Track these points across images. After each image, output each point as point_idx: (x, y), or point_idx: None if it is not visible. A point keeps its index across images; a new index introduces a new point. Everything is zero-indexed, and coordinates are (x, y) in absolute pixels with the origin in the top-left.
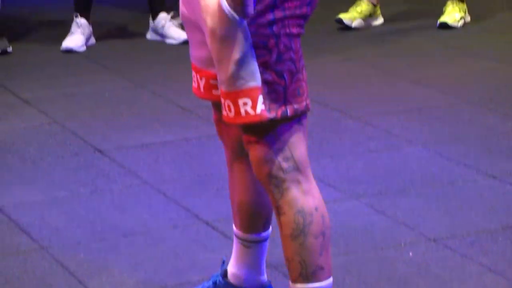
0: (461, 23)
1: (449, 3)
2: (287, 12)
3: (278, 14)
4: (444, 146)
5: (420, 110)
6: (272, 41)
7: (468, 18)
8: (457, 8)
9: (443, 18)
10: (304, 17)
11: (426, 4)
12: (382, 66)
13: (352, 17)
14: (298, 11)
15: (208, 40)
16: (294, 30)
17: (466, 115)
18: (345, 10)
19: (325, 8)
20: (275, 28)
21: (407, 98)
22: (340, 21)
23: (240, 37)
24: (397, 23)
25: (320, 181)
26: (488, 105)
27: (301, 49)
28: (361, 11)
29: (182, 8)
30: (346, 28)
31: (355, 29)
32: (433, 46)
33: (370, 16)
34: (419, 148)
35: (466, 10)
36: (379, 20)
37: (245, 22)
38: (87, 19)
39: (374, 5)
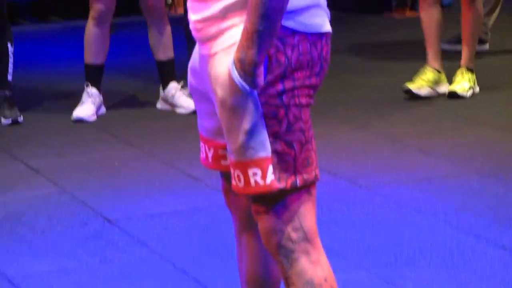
0: (470, 92)
1: (458, 72)
2: (297, 83)
3: (288, 84)
4: (453, 216)
5: (430, 180)
6: (282, 111)
7: (477, 89)
8: (466, 78)
9: (452, 87)
10: (314, 87)
11: None
12: (391, 135)
13: (419, 85)
14: (307, 82)
15: (218, 110)
16: (304, 100)
17: (475, 184)
18: (359, 79)
19: (333, 77)
20: (284, 98)
21: (416, 167)
22: (409, 91)
23: (250, 107)
24: None
25: (329, 251)
26: (497, 174)
27: (310, 119)
28: (427, 79)
29: (190, 79)
30: (415, 97)
31: (363, 97)
32: (442, 115)
33: (436, 83)
34: (429, 217)
35: (475, 81)
36: (445, 87)
37: (255, 92)
38: (98, 88)
39: (439, 72)
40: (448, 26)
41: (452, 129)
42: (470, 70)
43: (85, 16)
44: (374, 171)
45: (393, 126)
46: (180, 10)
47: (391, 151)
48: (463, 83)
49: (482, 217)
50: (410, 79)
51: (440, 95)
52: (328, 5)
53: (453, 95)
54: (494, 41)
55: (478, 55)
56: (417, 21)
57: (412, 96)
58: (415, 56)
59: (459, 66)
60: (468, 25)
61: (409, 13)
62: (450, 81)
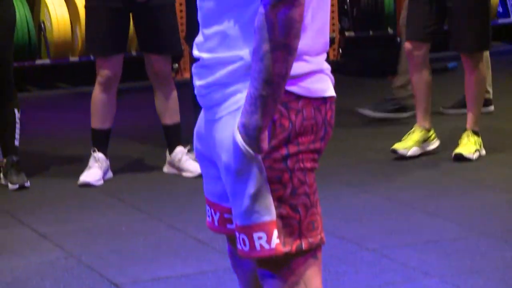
0: (476, 155)
1: (464, 135)
2: (301, 147)
3: (292, 149)
4: (461, 279)
5: (437, 242)
6: (286, 176)
7: (483, 151)
8: (472, 141)
9: (458, 150)
10: (318, 151)
11: (442, 136)
12: (398, 198)
13: (406, 146)
14: (311, 146)
15: (223, 174)
16: (308, 165)
17: (482, 247)
18: (364, 142)
19: (340, 140)
20: (289, 162)
21: (423, 230)
22: (395, 152)
23: (254, 171)
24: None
25: None
26: (504, 237)
27: (315, 182)
28: (415, 139)
29: (196, 143)
30: (401, 158)
31: (369, 160)
32: (449, 178)
33: (425, 141)
34: (436, 280)
35: (481, 144)
36: (435, 144)
37: (259, 157)
38: (105, 153)
39: (428, 130)
40: (453, 89)
41: (458, 192)
42: (475, 133)
43: (92, 82)
44: (380, 234)
45: (399, 189)
46: (187, 75)
47: (398, 214)
48: (469, 146)
49: (490, 280)
50: None
51: (445, 158)
52: (333, 70)
53: (459, 157)
54: (499, 104)
55: (483, 117)
56: None
57: (400, 156)
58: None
59: (464, 129)
60: (472, 88)
61: None
62: (456, 144)
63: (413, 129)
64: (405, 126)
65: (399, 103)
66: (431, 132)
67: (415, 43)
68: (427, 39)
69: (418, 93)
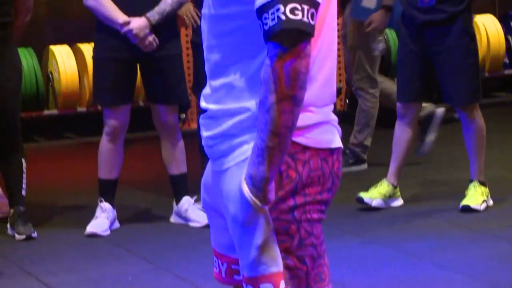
0: (483, 206)
1: (471, 186)
2: (308, 198)
3: (299, 200)
4: None
5: None
6: (293, 227)
7: (490, 202)
8: (479, 191)
9: (465, 201)
10: (325, 202)
11: (448, 187)
12: (405, 248)
13: (372, 196)
14: (318, 197)
15: (230, 225)
16: (315, 216)
17: None
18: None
19: (346, 190)
20: (296, 213)
21: (430, 281)
22: (361, 200)
23: (261, 222)
24: (419, 205)
25: None
26: None
27: (322, 233)
28: (382, 191)
29: (203, 194)
30: (366, 207)
31: (376, 210)
32: (456, 229)
33: (390, 197)
34: None
35: (489, 194)
36: (399, 202)
37: (266, 208)
38: (111, 203)
39: (395, 187)
40: (460, 138)
41: (466, 243)
42: (482, 183)
43: (99, 133)
44: (387, 285)
45: (405, 239)
46: (194, 125)
47: (404, 264)
48: (476, 196)
49: None
50: (427, 194)
51: (452, 208)
52: (340, 120)
53: (466, 208)
54: (505, 153)
55: (489, 166)
56: None
57: (365, 207)
58: (422, 169)
59: (470, 180)
60: (472, 140)
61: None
62: (463, 195)
63: (381, 182)
64: (412, 177)
65: (356, 156)
66: (397, 189)
67: (405, 105)
68: (416, 100)
69: (396, 150)
